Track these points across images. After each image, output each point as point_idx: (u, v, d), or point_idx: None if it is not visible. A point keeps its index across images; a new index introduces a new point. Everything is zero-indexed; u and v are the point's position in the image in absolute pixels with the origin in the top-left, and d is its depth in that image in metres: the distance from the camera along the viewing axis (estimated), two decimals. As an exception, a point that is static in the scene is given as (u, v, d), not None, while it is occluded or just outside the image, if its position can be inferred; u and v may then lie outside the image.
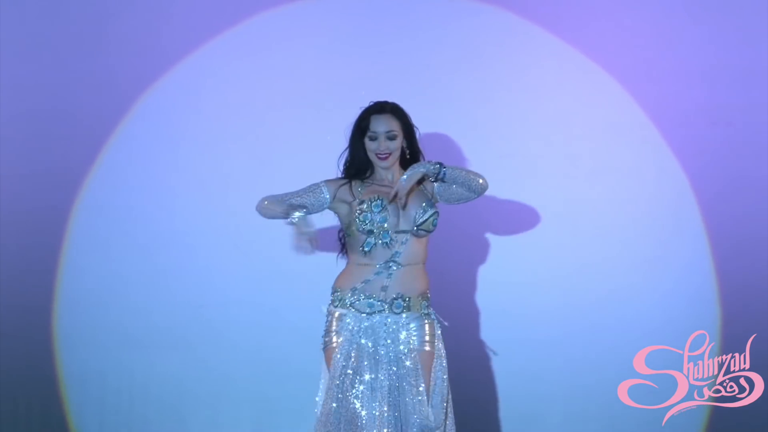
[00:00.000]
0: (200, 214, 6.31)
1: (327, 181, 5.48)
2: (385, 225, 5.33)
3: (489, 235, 6.47)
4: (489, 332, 6.45)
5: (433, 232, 5.37)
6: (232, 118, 6.59)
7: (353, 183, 5.46)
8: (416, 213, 5.31)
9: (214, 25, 6.61)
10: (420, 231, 5.32)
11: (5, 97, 6.69)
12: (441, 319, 5.40)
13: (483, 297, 6.47)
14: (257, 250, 6.51)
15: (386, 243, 5.34)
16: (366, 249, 5.37)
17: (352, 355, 5.33)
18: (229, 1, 6.60)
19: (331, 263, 6.29)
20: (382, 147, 5.37)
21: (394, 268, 5.34)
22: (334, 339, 5.36)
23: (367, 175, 5.48)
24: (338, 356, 5.32)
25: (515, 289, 6.46)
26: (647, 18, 6.40)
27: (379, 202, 5.35)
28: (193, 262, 6.60)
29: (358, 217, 5.36)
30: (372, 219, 5.34)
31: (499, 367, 6.43)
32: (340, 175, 5.50)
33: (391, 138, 5.37)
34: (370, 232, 5.36)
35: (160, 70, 6.65)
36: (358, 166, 5.47)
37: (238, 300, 6.59)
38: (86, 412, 6.69)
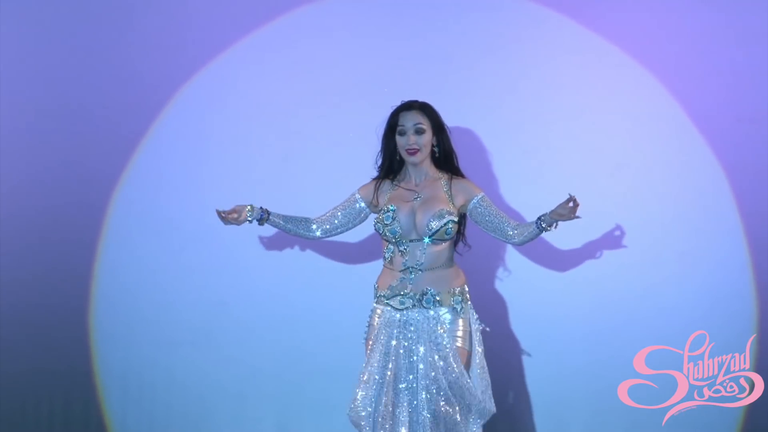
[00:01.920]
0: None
1: (360, 189, 5.64)
2: (398, 236, 5.38)
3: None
4: (507, 330, 6.45)
5: (457, 234, 5.45)
6: (259, 117, 6.63)
7: (383, 184, 5.57)
8: (429, 222, 5.36)
9: (242, 26, 6.65)
10: (434, 240, 5.36)
11: (42, 97, 6.80)
12: (481, 322, 5.47)
13: (505, 294, 6.46)
14: (283, 246, 6.54)
15: (402, 251, 5.42)
16: (386, 255, 5.50)
17: (382, 349, 5.41)
18: (254, 2, 6.64)
19: (355, 260, 6.37)
20: (411, 141, 5.44)
21: (413, 273, 5.41)
22: (373, 333, 5.47)
23: (399, 174, 5.56)
24: (374, 350, 5.43)
25: (537, 287, 6.45)
26: (680, 8, 6.34)
27: (390, 213, 5.43)
28: (221, 259, 6.66)
29: (376, 226, 5.49)
30: (382, 229, 5.44)
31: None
32: (376, 174, 5.62)
33: (419, 132, 5.43)
34: (388, 241, 5.43)
35: (191, 70, 6.71)
36: (389, 164, 5.57)
37: (264, 297, 6.63)
38: (119, 406, 6.79)
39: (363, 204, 5.61)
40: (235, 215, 5.53)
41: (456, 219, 5.39)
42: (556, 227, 5.30)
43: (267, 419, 6.66)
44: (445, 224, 5.36)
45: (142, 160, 6.76)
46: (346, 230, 5.67)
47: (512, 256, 6.46)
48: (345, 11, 6.58)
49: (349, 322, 5.92)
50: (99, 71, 6.76)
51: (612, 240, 6.33)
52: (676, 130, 6.36)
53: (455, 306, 5.39)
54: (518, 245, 5.58)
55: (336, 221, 5.62)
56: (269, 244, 6.38)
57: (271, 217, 5.59)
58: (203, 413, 6.72)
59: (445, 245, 5.42)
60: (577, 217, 5.23)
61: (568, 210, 5.20)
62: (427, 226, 5.36)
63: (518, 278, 6.46)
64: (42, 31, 6.79)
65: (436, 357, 5.32)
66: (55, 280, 6.81)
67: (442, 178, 5.49)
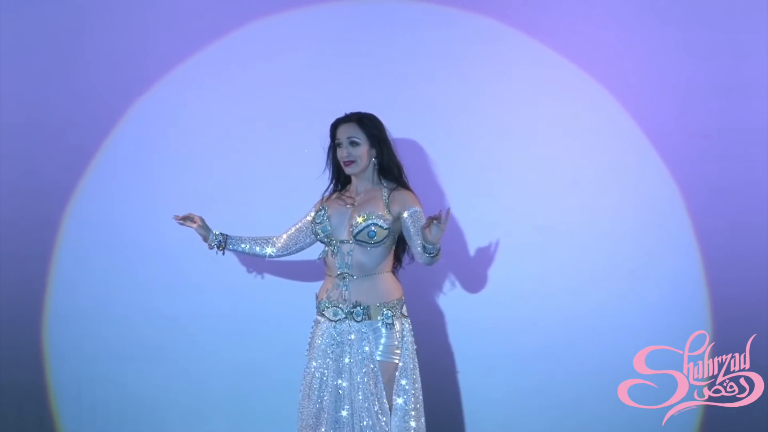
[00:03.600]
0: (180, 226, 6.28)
1: (314, 205, 5.71)
2: (327, 234, 5.43)
3: (471, 246, 6.42)
4: (481, 341, 6.45)
5: (385, 242, 5.43)
6: (214, 132, 6.59)
7: (332, 196, 5.64)
8: (355, 219, 5.41)
9: (198, 40, 6.59)
10: (358, 241, 5.40)
11: None
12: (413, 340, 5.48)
13: (470, 309, 6.44)
14: (235, 260, 6.50)
15: (333, 252, 5.48)
16: (321, 257, 5.57)
17: (319, 361, 5.46)
18: (211, 16, 6.59)
19: (307, 275, 6.33)
20: (344, 154, 5.48)
21: (348, 279, 5.44)
22: (311, 343, 5.54)
23: (347, 186, 5.63)
24: (310, 359, 5.50)
25: (502, 299, 6.43)
26: (634, 25, 6.38)
27: (322, 212, 5.51)
28: (175, 273, 6.60)
29: (311, 227, 5.59)
30: (314, 228, 5.55)
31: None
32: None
33: (353, 144, 5.47)
34: (322, 242, 5.52)
35: (146, 83, 6.64)
36: (336, 177, 5.66)
37: (216, 311, 6.58)
38: (73, 422, 6.68)
39: (311, 215, 5.66)
40: (193, 224, 5.71)
41: (385, 225, 5.40)
42: (436, 254, 5.23)
43: (222, 434, 6.62)
44: (367, 225, 5.39)
45: (96, 175, 6.67)
46: (304, 246, 5.74)
47: (471, 274, 6.46)
48: (298, 27, 6.54)
49: (301, 336, 5.83)
50: (52, 86, 6.66)
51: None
52: (630, 145, 6.40)
53: (385, 320, 5.40)
54: (426, 265, 5.43)
55: (291, 237, 5.70)
56: (221, 258, 6.27)
57: (229, 241, 5.71)
58: (157, 428, 6.64)
59: (376, 252, 5.44)
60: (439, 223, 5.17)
61: (428, 230, 5.16)
62: (352, 224, 5.40)
63: (478, 293, 6.47)
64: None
65: (368, 373, 5.37)
66: (8, 295, 6.70)
67: (385, 189, 5.52)
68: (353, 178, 5.56)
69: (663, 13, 6.37)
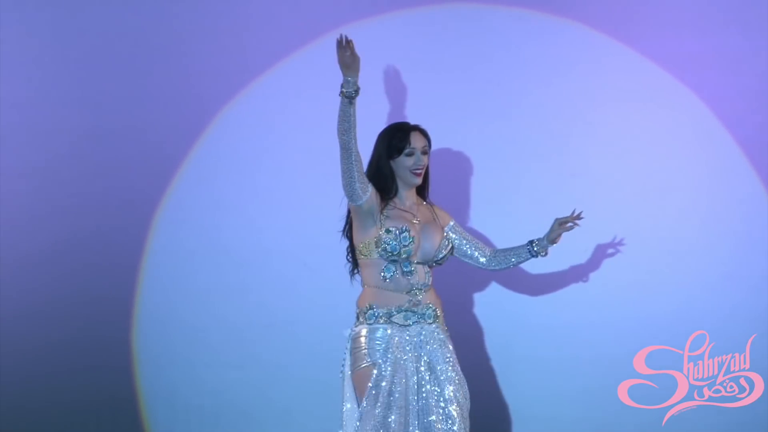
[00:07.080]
0: (273, 231, 6.32)
1: (375, 198, 5.40)
2: (410, 256, 5.36)
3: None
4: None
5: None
6: (307, 137, 6.57)
7: (389, 207, 5.44)
8: (440, 248, 5.40)
9: (292, 42, 6.61)
10: (435, 264, 5.42)
11: (83, 121, 6.76)
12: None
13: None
14: (330, 264, 6.51)
15: (406, 272, 5.38)
16: (387, 276, 5.39)
17: (389, 370, 5.33)
18: (305, 19, 6.59)
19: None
20: (422, 162, 5.42)
21: (420, 295, 5.38)
22: (368, 359, 5.36)
23: (391, 197, 5.48)
24: (375, 375, 5.32)
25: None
26: (725, 30, 6.32)
27: (407, 234, 5.35)
28: (267, 280, 6.62)
29: (383, 244, 5.36)
30: (398, 249, 5.34)
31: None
32: None
33: (425, 153, 5.44)
34: (394, 261, 5.40)
35: (237, 86, 6.66)
36: (385, 185, 5.45)
37: (313, 316, 6.57)
38: (168, 429, 6.75)
39: (367, 195, 5.29)
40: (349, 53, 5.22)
41: (453, 245, 5.50)
42: (546, 254, 5.40)
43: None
44: (448, 252, 5.43)
45: (185, 179, 6.71)
46: (346, 173, 5.29)
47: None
48: (395, 29, 6.56)
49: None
50: (140, 94, 6.73)
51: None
52: (720, 152, 6.32)
53: (444, 325, 5.43)
54: (496, 271, 5.59)
55: (359, 165, 5.31)
56: (315, 263, 6.32)
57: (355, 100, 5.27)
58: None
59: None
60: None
61: (565, 229, 5.36)
62: (438, 252, 5.39)
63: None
64: (84, 55, 6.77)
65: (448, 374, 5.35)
66: (98, 303, 6.76)
67: (424, 203, 5.52)
68: (402, 189, 5.46)
69: (755, 18, 6.30)
